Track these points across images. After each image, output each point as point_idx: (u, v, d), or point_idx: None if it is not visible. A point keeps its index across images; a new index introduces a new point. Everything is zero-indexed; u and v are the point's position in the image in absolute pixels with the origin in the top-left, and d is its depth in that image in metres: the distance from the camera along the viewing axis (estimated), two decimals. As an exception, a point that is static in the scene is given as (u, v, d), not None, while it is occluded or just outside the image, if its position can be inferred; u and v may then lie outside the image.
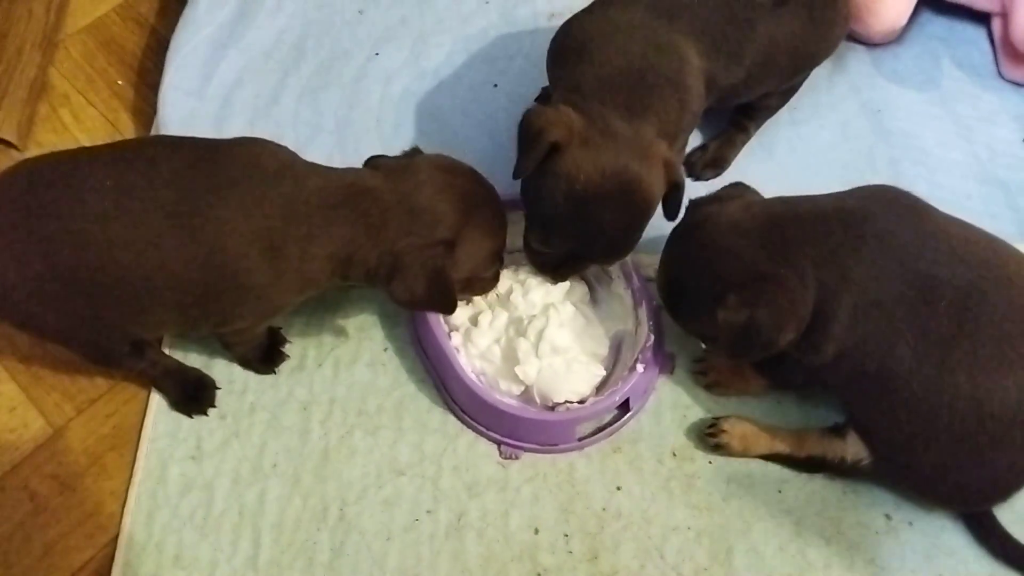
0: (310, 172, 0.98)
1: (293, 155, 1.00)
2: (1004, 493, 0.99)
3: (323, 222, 0.95)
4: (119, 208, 0.92)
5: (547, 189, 0.98)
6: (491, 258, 1.06)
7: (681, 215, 1.03)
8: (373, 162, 1.04)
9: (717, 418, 1.10)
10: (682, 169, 1.02)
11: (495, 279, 1.11)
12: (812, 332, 0.92)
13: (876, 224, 0.91)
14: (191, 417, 1.14)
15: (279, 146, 1.00)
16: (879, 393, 0.94)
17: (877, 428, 0.99)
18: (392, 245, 0.96)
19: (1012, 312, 0.89)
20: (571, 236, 1.01)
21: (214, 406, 1.14)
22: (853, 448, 1.02)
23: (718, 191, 1.04)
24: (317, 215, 0.95)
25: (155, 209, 0.92)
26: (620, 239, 1.01)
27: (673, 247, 1.02)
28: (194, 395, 1.14)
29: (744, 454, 1.09)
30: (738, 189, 1.04)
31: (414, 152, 1.06)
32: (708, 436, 1.09)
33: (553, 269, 1.10)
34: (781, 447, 1.07)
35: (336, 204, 0.96)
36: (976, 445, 0.91)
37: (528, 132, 0.97)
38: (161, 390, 1.15)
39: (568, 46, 1.06)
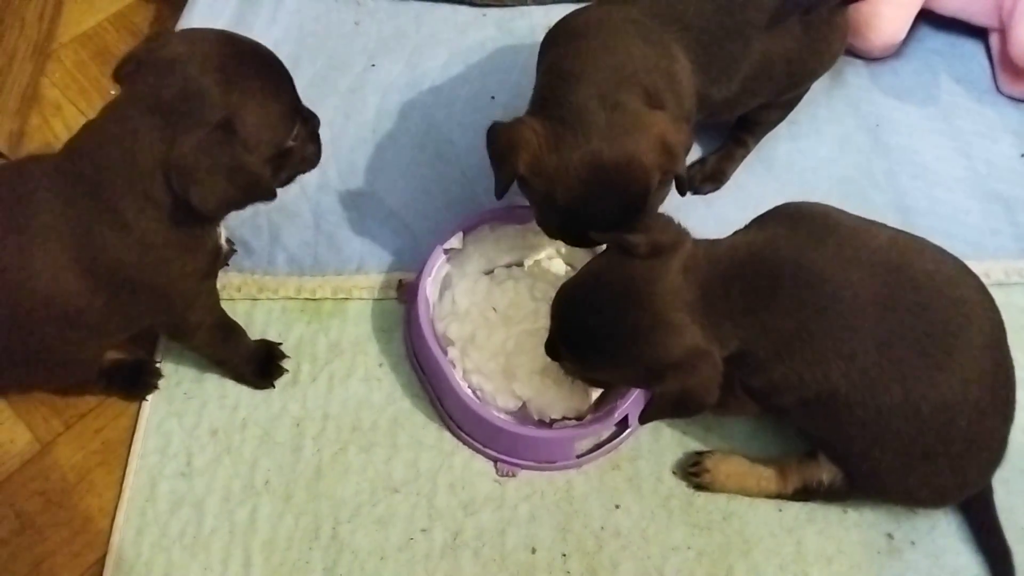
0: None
1: None
2: (978, 477, 0.99)
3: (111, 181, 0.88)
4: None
5: (538, 204, 1.01)
6: (285, 121, 0.92)
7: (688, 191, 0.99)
8: None
9: (700, 454, 1.08)
10: (680, 138, 0.96)
11: (311, 143, 0.99)
12: (740, 367, 0.93)
13: (789, 265, 0.91)
14: (145, 399, 1.13)
15: None
16: (825, 414, 0.95)
17: (835, 446, 1.00)
18: (166, 155, 0.84)
19: (927, 313, 0.90)
20: (577, 226, 0.99)
21: (161, 375, 1.15)
22: (826, 468, 1.02)
23: (644, 237, 0.92)
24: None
25: (25, 222, 0.89)
26: (624, 215, 0.97)
27: (594, 295, 0.94)
28: (137, 379, 1.14)
29: (729, 492, 1.07)
30: (663, 233, 0.93)
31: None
32: (691, 475, 1.08)
33: (574, 238, 1.05)
34: (768, 487, 1.06)
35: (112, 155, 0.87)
36: (928, 446, 0.92)
37: (494, 154, 0.98)
38: (110, 388, 1.14)
39: (558, 34, 1.06)
